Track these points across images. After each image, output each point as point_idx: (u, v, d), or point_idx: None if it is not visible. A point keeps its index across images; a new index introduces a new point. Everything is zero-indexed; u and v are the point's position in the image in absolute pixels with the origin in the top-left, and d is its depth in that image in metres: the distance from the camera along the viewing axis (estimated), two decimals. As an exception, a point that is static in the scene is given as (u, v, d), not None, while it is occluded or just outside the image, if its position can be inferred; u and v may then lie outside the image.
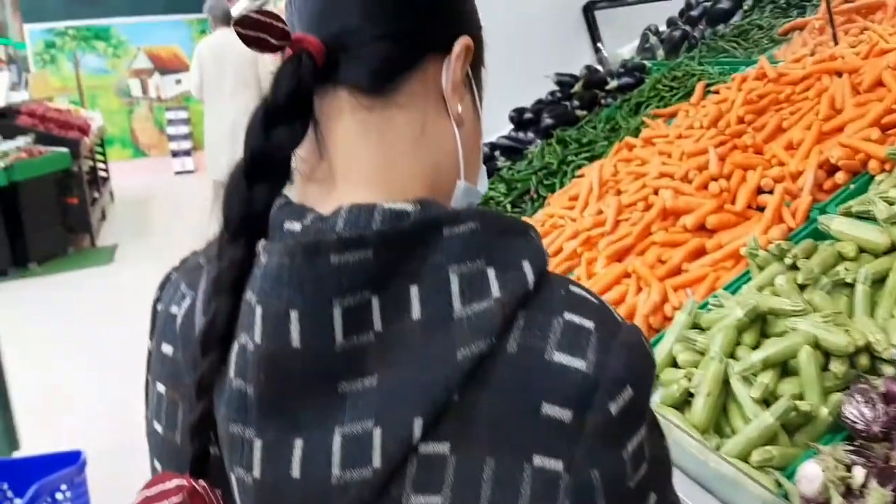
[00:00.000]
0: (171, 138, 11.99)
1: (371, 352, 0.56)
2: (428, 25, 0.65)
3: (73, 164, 7.24)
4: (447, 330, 0.56)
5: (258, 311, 0.57)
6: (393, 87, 0.63)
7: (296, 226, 0.59)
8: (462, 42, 0.65)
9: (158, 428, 0.68)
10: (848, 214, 1.56)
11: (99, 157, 9.31)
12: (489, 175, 2.68)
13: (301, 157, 0.64)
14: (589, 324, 0.58)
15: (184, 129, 11.97)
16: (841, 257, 1.46)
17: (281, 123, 0.60)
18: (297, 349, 0.56)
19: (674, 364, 1.46)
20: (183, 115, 12.04)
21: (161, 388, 0.68)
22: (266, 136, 0.60)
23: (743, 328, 1.37)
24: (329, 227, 0.58)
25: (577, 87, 2.99)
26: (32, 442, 3.50)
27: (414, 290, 0.56)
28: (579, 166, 2.44)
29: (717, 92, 2.41)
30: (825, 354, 1.26)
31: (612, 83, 2.92)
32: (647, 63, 3.06)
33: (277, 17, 0.61)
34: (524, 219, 2.20)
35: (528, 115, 2.94)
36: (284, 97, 0.60)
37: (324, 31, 0.62)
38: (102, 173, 9.43)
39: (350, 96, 0.63)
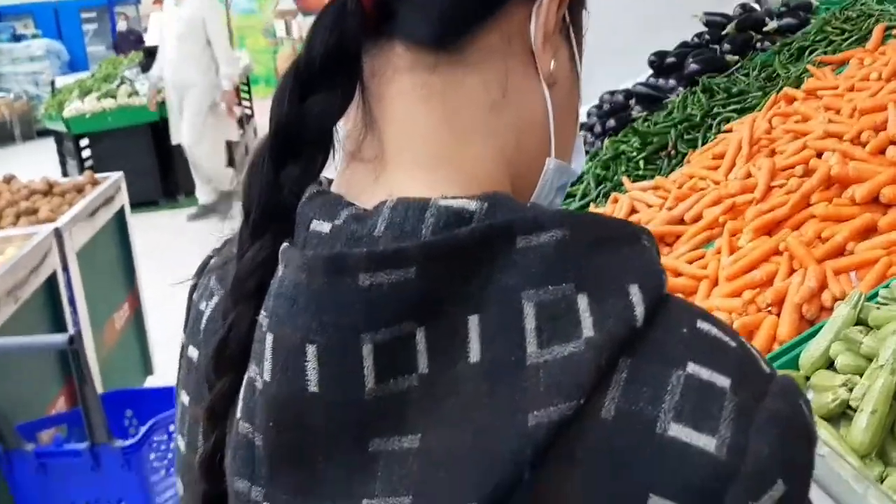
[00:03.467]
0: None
1: (413, 401, 0.42)
2: None
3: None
4: (517, 381, 0.41)
5: (269, 340, 0.44)
6: (465, 40, 0.48)
7: (324, 226, 0.45)
8: None
9: (181, 443, 0.57)
10: None
11: (244, 95, 9.60)
12: (622, 126, 2.45)
13: (345, 131, 0.50)
14: (724, 381, 0.42)
15: None
16: None
17: (318, 89, 0.47)
18: (314, 394, 0.43)
19: (830, 366, 1.23)
20: None
21: (185, 398, 0.57)
22: (298, 106, 0.46)
23: (924, 333, 1.12)
24: (366, 231, 0.44)
25: (729, 29, 2.67)
26: (166, 370, 3.65)
27: (473, 323, 0.42)
28: (727, 120, 2.16)
29: (900, 36, 2.06)
30: None
31: (772, 24, 2.59)
32: (815, 1, 2.68)
33: None
34: (654, 182, 2.00)
35: (670, 60, 2.65)
36: (323, 55, 0.46)
37: None
38: (247, 111, 9.72)
39: (408, 52, 0.48)
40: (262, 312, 0.45)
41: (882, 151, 1.59)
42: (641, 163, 2.17)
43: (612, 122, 2.48)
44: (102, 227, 3.09)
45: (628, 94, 2.61)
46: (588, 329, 0.42)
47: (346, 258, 0.43)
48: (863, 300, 1.25)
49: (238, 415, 0.46)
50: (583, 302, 0.42)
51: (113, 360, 3.17)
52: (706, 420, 0.41)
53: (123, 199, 3.38)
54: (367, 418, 0.43)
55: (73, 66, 11.67)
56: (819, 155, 1.69)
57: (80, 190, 3.15)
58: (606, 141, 2.36)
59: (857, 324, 1.24)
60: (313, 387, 0.42)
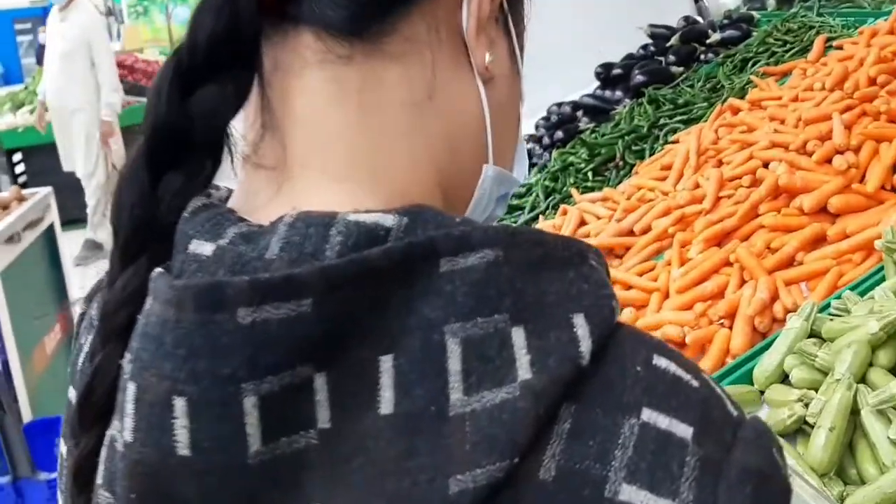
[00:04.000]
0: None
1: (312, 464, 0.35)
2: None
3: None
4: (437, 437, 0.34)
5: (130, 389, 0.36)
6: (384, 27, 0.42)
7: (206, 248, 0.37)
8: None
9: (60, 496, 0.49)
10: None
11: None
12: (569, 138, 2.42)
13: (242, 132, 0.43)
14: (685, 430, 0.36)
15: None
16: None
17: (205, 82, 0.39)
18: (185, 458, 0.34)
19: (784, 379, 1.20)
20: None
21: (63, 447, 0.48)
22: (181, 102, 0.39)
23: (878, 345, 1.10)
24: (257, 254, 0.36)
25: (673, 41, 2.67)
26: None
27: (386, 365, 0.35)
28: (674, 131, 2.15)
29: (840, 48, 2.08)
30: None
31: (715, 36, 2.60)
32: (756, 14, 2.71)
33: None
34: (603, 193, 1.97)
35: (616, 72, 2.64)
36: (209, 41, 0.38)
37: None
38: None
39: (318, 42, 0.41)
40: (126, 355, 0.36)
41: (828, 161, 1.58)
42: (590, 174, 2.14)
43: (559, 134, 2.45)
44: (29, 245, 2.94)
45: (576, 105, 2.58)
46: (524, 370, 0.35)
47: (224, 288, 0.34)
48: (815, 311, 1.23)
49: (99, 480, 0.38)
50: (519, 337, 0.36)
51: (45, 385, 3.01)
52: (665, 480, 0.35)
53: (53, 216, 3.23)
54: (253, 487, 0.35)
55: (8, 78, 11.30)
56: (766, 165, 1.68)
57: (5, 207, 3.00)
58: (555, 153, 2.33)
59: (810, 336, 1.22)
60: (183, 449, 0.34)
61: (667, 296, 1.52)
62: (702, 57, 2.57)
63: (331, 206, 0.38)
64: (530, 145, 2.55)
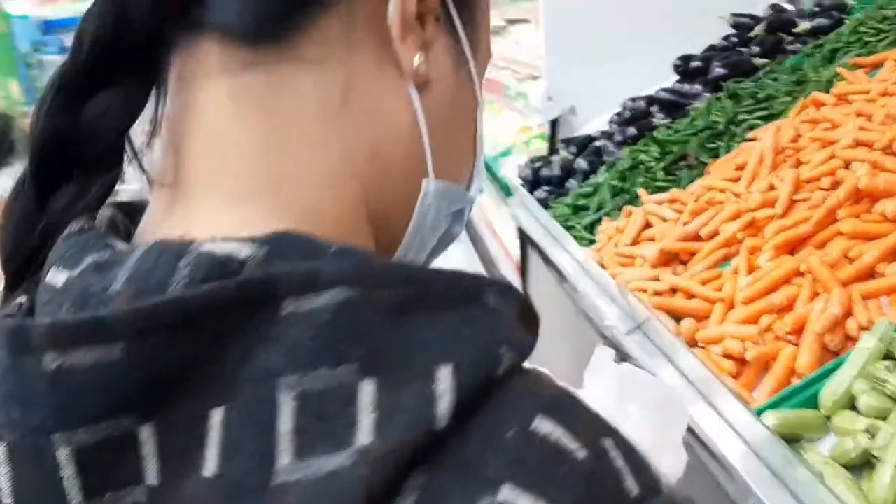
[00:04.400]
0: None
1: None
2: None
3: None
4: None
5: None
6: (293, 30, 0.38)
7: (60, 278, 0.35)
8: None
9: None
10: None
11: None
12: (643, 134, 2.32)
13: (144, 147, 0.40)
14: None
15: None
16: None
17: (95, 90, 0.36)
18: None
19: (852, 406, 1.10)
20: None
21: None
22: (67, 114, 0.36)
23: (960, 371, 0.99)
24: (102, 287, 0.33)
25: (757, 30, 2.52)
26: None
27: (216, 419, 0.31)
28: (753, 127, 2.02)
29: (941, 36, 1.90)
30: None
31: (803, 25, 2.43)
32: (850, 1, 2.52)
33: None
34: (670, 194, 1.87)
35: (695, 64, 2.51)
36: (94, 48, 0.36)
37: None
38: None
39: (221, 48, 0.38)
40: None
41: (918, 162, 1.45)
42: (660, 173, 2.04)
43: (632, 130, 2.35)
44: None
45: (650, 100, 2.47)
46: (365, 433, 0.30)
47: (28, 331, 0.32)
48: (892, 332, 1.12)
49: None
50: (367, 392, 0.31)
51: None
52: None
53: None
54: None
55: None
56: (847, 165, 1.56)
57: None
58: (625, 150, 2.24)
59: (885, 358, 1.11)
60: (7, 498, 0.32)
61: (732, 306, 1.42)
62: (788, 48, 2.42)
63: (223, 229, 0.35)
64: (602, 142, 2.46)
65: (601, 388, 0.78)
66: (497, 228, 3.34)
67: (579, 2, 2.79)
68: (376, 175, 0.40)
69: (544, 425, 0.31)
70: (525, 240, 2.41)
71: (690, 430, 1.20)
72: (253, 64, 0.38)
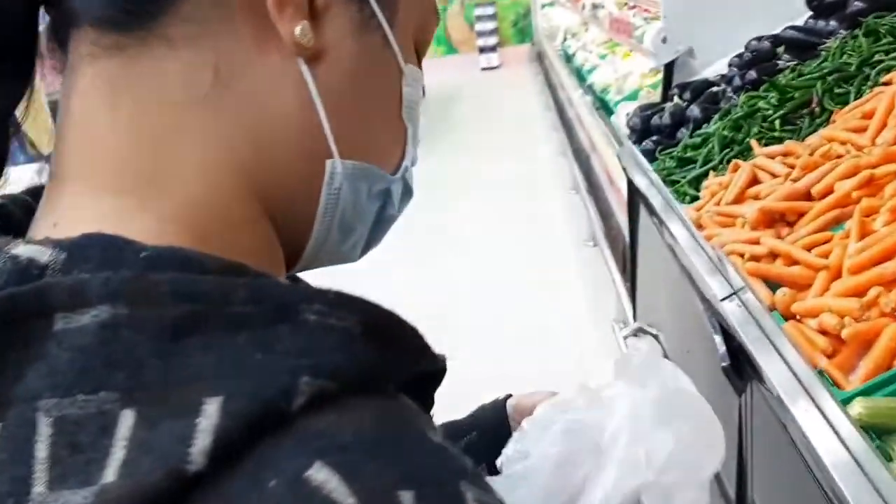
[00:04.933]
0: (479, 34, 12.08)
1: None
2: None
3: None
4: None
5: None
6: (156, 10, 0.36)
7: None
8: None
9: None
10: None
11: None
12: (762, 79, 2.11)
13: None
14: None
15: (490, 25, 12.00)
16: None
17: None
18: None
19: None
20: (489, 10, 12.05)
21: None
22: None
23: None
24: None
25: (909, -44, 2.22)
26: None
27: None
28: (889, 70, 1.79)
29: None
30: None
31: (965, -53, 2.11)
32: None
33: None
34: (784, 146, 1.69)
35: (832, -3, 2.25)
36: None
37: None
38: None
39: (90, 34, 0.37)
40: None
41: None
42: (777, 122, 1.85)
43: (752, 74, 2.15)
44: None
45: (776, 40, 2.25)
46: (112, 470, 0.27)
47: None
48: None
49: None
50: (126, 424, 0.28)
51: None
52: None
53: None
54: None
55: None
56: None
57: None
58: (742, 96, 2.05)
59: None
60: None
61: (838, 276, 1.28)
62: (945, -25, 2.12)
63: (94, 224, 0.34)
64: (721, 86, 2.27)
65: (639, 397, 0.72)
66: (614, 178, 3.20)
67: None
68: (265, 161, 0.37)
69: (320, 474, 0.27)
70: (633, 192, 2.29)
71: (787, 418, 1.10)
72: (118, 49, 0.36)
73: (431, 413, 0.45)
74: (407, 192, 0.46)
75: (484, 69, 12.01)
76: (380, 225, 0.45)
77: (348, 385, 0.30)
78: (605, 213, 3.57)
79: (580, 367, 3.18)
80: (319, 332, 0.31)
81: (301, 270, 0.45)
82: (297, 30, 0.36)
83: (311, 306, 0.31)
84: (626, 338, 2.28)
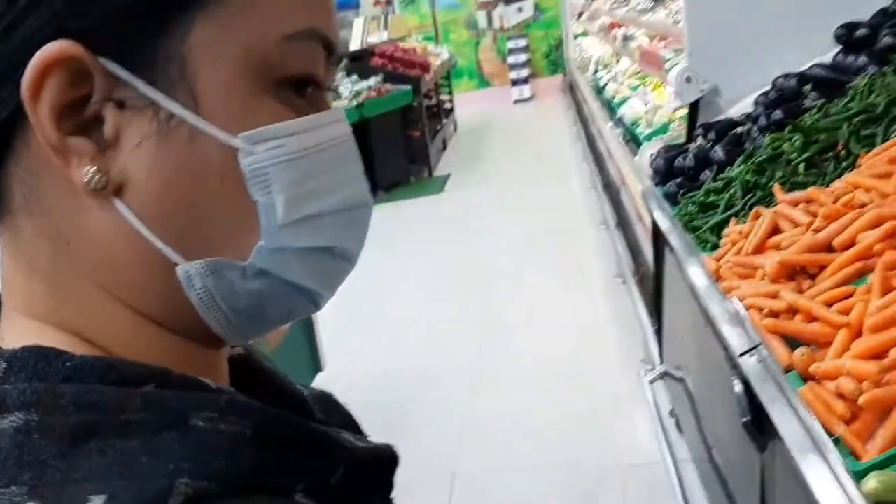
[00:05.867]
0: (512, 67, 12.20)
1: None
2: None
3: (414, 100, 7.76)
4: None
5: None
6: None
7: None
8: (44, 60, 0.36)
9: None
10: None
11: (444, 90, 9.87)
12: (788, 118, 2.07)
13: None
14: None
15: (522, 58, 12.12)
16: None
17: None
18: None
19: None
20: (522, 42, 12.17)
21: None
22: None
23: None
24: None
25: (941, -10, 2.17)
26: (337, 367, 3.76)
27: None
28: (918, 110, 1.74)
29: None
30: None
31: None
32: None
33: None
34: (807, 193, 1.64)
35: (861, 32, 2.20)
36: None
37: None
38: (448, 105, 10.02)
39: None
40: None
41: None
42: (801, 168, 1.81)
43: (778, 115, 2.11)
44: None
45: (803, 78, 2.20)
46: None
47: None
48: None
49: None
50: None
51: (279, 358, 3.28)
52: None
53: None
54: None
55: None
56: None
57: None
58: (767, 138, 2.01)
59: None
60: None
61: (859, 333, 1.23)
62: (978, 9, 2.06)
63: (33, 338, 0.39)
64: (746, 126, 2.23)
65: None
66: (643, 214, 3.16)
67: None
68: (125, 286, 0.40)
69: None
70: (657, 234, 2.25)
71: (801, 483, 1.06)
72: None
73: (391, 497, 0.47)
74: (297, 260, 0.43)
75: (517, 101, 12.09)
76: (285, 297, 0.43)
77: (231, 486, 0.33)
78: (634, 249, 3.52)
79: (608, 409, 3.13)
80: (206, 436, 0.34)
81: (248, 340, 0.46)
82: (85, 177, 0.37)
83: (201, 413, 0.34)
84: (652, 381, 2.23)
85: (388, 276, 5.17)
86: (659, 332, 2.40)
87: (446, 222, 6.34)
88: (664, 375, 2.19)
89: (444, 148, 9.17)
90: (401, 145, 7.75)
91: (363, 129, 7.02)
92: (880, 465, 0.99)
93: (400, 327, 4.43)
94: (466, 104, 11.56)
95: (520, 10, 12.30)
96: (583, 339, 3.76)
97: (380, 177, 7.38)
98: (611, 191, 4.30)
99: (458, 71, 11.79)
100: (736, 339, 1.44)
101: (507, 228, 5.80)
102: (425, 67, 8.68)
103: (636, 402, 2.91)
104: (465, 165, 8.31)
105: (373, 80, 7.61)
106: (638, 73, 4.60)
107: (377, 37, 9.05)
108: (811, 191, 1.63)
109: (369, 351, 4.24)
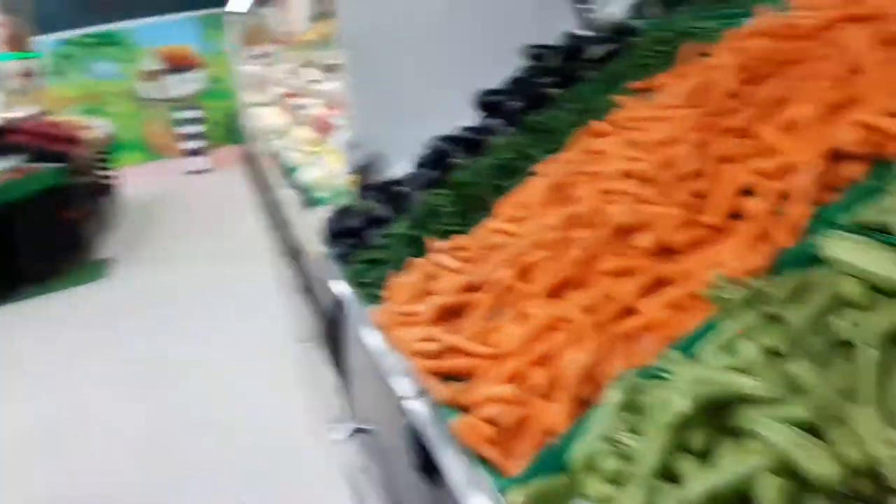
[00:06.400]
0: (186, 138, 11.97)
1: None
2: None
3: (67, 178, 7.05)
4: None
5: None
6: None
7: None
8: None
9: None
10: (862, 229, 1.08)
11: (104, 165, 9.30)
12: (443, 176, 2.24)
13: None
14: None
15: (195, 129, 11.96)
16: (842, 301, 0.99)
17: None
18: None
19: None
20: (194, 113, 11.99)
21: None
22: None
23: (688, 425, 0.92)
24: None
25: (553, 60, 2.51)
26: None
27: None
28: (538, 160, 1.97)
29: (708, 55, 1.91)
30: (803, 483, 0.80)
31: (593, 51, 2.43)
32: (638, 23, 2.55)
33: None
34: (452, 241, 1.79)
35: (493, 98, 2.47)
36: None
37: None
38: (109, 181, 9.45)
39: None
40: None
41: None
42: (455, 218, 1.95)
43: (433, 173, 2.28)
44: None
45: (452, 139, 2.41)
46: None
47: None
48: (632, 382, 1.05)
49: None
50: None
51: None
52: None
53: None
54: None
55: None
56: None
57: None
58: (423, 194, 2.15)
59: (629, 409, 1.04)
60: None
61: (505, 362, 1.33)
62: (581, 75, 2.41)
63: None
64: (406, 185, 2.37)
65: None
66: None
67: (378, 45, 2.72)
68: None
69: None
70: (333, 295, 2.29)
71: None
72: None
73: None
74: None
75: (190, 172, 11.79)
76: None
77: None
78: (321, 312, 3.55)
79: (300, 473, 3.10)
80: None
81: None
82: None
83: None
84: (342, 440, 2.23)
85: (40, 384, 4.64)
86: (348, 390, 2.42)
87: (108, 312, 5.85)
88: (356, 432, 2.20)
89: (107, 228, 8.52)
90: (54, 230, 6.94)
91: (6, 216, 6.31)
92: (526, 479, 1.06)
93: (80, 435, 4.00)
94: (134, 179, 11.00)
95: (186, 80, 12.08)
96: (273, 403, 3.72)
97: (27, 268, 6.65)
98: (295, 256, 4.34)
99: (122, 144, 11.20)
100: (402, 386, 1.49)
101: (187, 310, 5.53)
102: (77, 142, 8.05)
103: (331, 463, 2.92)
104: (133, 246, 7.79)
105: (14, 160, 6.85)
106: (314, 139, 4.72)
107: (23, 111, 8.30)
108: (456, 239, 1.77)
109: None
